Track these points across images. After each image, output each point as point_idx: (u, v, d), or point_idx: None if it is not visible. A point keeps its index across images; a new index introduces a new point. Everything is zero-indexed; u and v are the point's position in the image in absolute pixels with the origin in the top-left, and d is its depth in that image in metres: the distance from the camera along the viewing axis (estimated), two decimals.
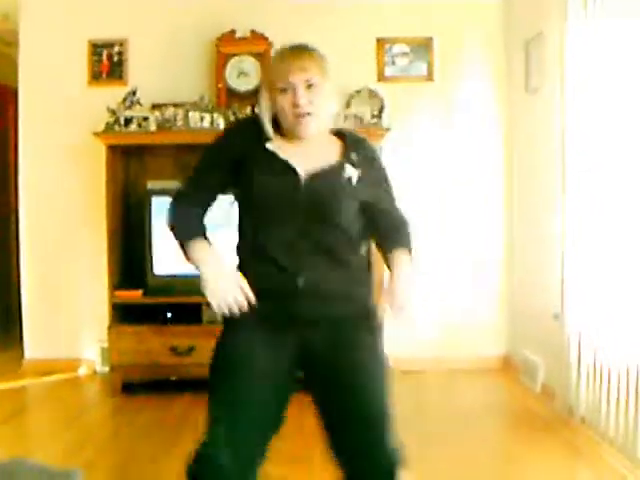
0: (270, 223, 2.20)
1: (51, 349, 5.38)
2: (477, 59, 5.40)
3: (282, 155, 2.19)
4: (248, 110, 4.93)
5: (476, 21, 5.39)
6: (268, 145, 2.20)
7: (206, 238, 2.27)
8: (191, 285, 4.74)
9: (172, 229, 2.30)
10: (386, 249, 2.28)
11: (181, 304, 4.85)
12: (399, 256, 2.22)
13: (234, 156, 2.24)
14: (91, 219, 5.21)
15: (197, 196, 2.34)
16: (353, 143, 2.30)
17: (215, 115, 4.92)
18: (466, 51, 5.38)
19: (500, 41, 5.37)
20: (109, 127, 4.92)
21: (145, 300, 4.86)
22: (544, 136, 4.50)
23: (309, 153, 2.22)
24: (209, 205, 2.36)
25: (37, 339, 5.41)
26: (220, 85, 5.15)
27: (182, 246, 2.25)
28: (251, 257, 2.24)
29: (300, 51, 2.22)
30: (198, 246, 2.23)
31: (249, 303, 2.12)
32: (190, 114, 4.92)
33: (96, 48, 5.38)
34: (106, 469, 3.60)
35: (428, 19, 5.34)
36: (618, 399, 3.53)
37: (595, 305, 3.82)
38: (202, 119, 4.91)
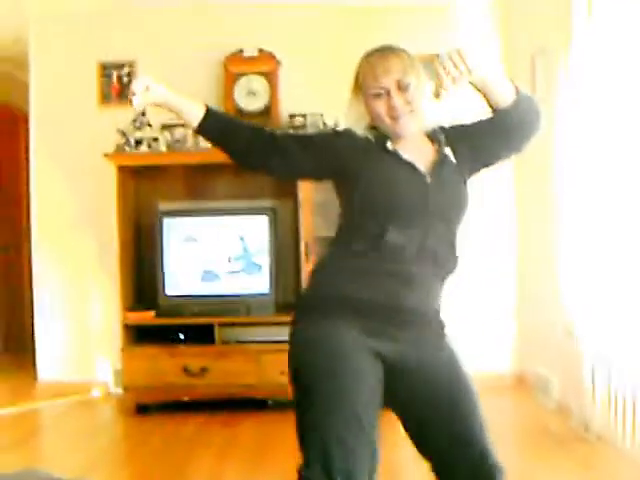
0: (396, 225, 2.10)
1: (64, 371, 5.39)
2: None
3: (404, 155, 2.15)
4: None
5: (482, 35, 5.38)
6: (388, 145, 2.16)
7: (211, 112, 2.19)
8: (203, 305, 4.84)
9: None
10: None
11: (193, 325, 4.85)
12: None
13: (341, 159, 2.18)
14: (103, 240, 5.22)
15: (273, 143, 2.20)
16: (433, 130, 2.26)
17: None
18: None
19: (506, 55, 5.37)
20: (119, 148, 4.94)
21: (157, 321, 4.87)
22: (553, 149, 4.48)
23: (416, 151, 2.19)
24: (272, 156, 2.20)
25: (50, 361, 5.42)
26: (229, 105, 5.17)
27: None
28: (369, 263, 2.12)
29: (386, 53, 2.18)
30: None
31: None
32: None
33: (105, 70, 5.42)
34: None
35: (434, 35, 5.34)
36: (634, 415, 3.50)
37: (609, 320, 3.79)
38: None
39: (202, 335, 4.82)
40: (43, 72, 5.43)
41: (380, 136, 2.18)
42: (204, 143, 4.84)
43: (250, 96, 5.19)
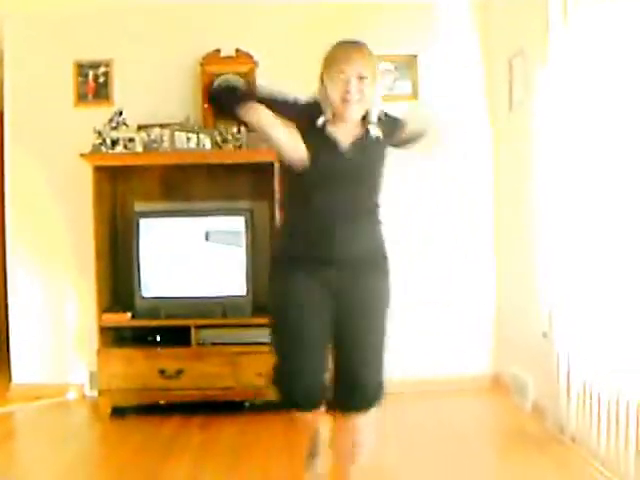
0: (319, 188, 2.68)
1: (39, 374, 5.34)
2: (461, 75, 5.41)
3: (329, 129, 2.68)
4: (234, 130, 4.92)
5: (459, 37, 5.41)
6: (320, 121, 2.67)
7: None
8: (179, 307, 4.81)
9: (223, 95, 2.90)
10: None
11: (170, 327, 4.83)
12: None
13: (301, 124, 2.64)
14: (79, 241, 5.18)
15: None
16: (368, 115, 2.73)
17: (201, 136, 4.91)
18: (450, 68, 5.39)
19: (484, 57, 5.39)
20: (95, 148, 4.90)
21: (133, 323, 4.84)
22: (528, 151, 4.50)
23: (348, 130, 2.71)
24: None
25: (25, 364, 5.36)
26: (206, 105, 5.14)
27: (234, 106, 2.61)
28: (302, 217, 2.76)
29: (358, 46, 2.68)
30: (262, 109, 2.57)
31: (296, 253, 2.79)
32: (176, 135, 4.91)
33: (82, 69, 5.37)
34: None
35: (412, 36, 5.36)
36: (609, 417, 3.52)
37: (584, 322, 3.81)
38: (188, 140, 4.91)
39: (178, 337, 4.80)
40: (18, 70, 5.38)
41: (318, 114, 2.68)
42: (180, 144, 4.87)
43: None
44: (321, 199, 2.68)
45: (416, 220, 5.33)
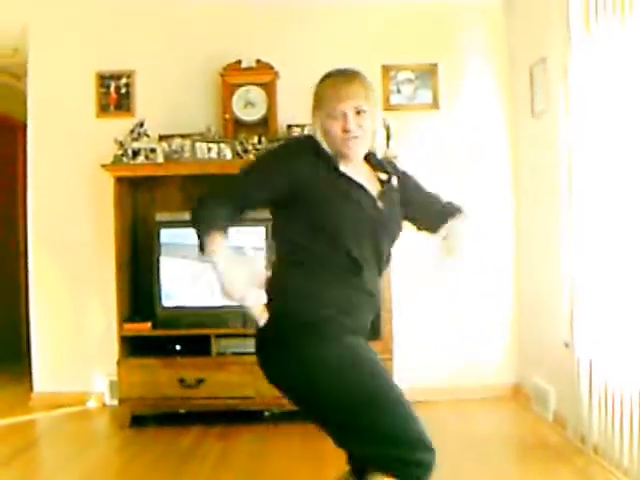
0: (347, 241, 2.23)
1: (60, 382, 5.37)
2: (482, 85, 5.41)
3: (355, 178, 2.29)
4: (255, 140, 4.94)
5: (480, 46, 5.41)
6: (342, 168, 2.28)
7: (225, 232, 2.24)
8: (200, 317, 4.82)
9: (194, 223, 2.27)
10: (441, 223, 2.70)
11: (190, 336, 4.84)
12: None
13: (296, 179, 2.23)
14: (100, 251, 5.23)
15: (231, 205, 2.27)
16: (379, 159, 2.44)
17: (222, 146, 4.93)
18: (471, 77, 5.40)
19: (504, 66, 5.38)
20: (117, 159, 4.94)
21: (154, 333, 4.86)
22: (551, 160, 4.49)
23: (361, 172, 2.36)
24: (238, 215, 2.31)
25: (46, 372, 5.40)
26: (227, 115, 5.16)
27: (200, 238, 2.23)
28: (330, 276, 2.26)
29: (350, 78, 2.30)
30: (213, 238, 2.20)
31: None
32: (197, 145, 4.94)
33: (104, 80, 5.42)
34: None
35: (433, 45, 5.36)
36: (631, 427, 3.49)
37: (605, 332, 3.77)
38: (209, 150, 4.93)
39: (198, 346, 4.81)
40: (41, 82, 5.43)
41: (333, 157, 2.30)
42: (202, 154, 4.89)
43: (248, 107, 5.18)
44: (360, 256, 2.26)
45: None
